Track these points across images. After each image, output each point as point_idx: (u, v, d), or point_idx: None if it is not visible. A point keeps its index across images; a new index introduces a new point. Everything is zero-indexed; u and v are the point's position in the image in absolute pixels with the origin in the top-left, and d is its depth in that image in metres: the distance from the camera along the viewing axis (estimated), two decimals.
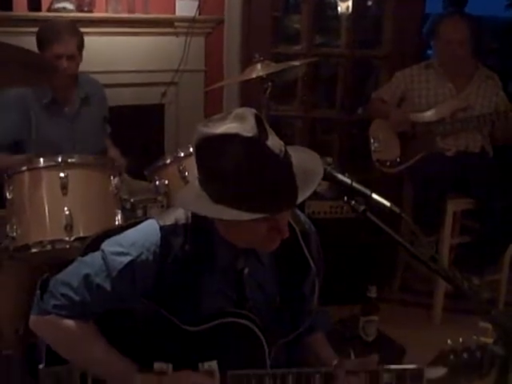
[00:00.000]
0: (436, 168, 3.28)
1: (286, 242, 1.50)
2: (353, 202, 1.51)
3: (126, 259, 1.47)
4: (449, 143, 3.34)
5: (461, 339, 1.54)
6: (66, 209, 2.19)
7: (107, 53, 3.51)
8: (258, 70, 2.64)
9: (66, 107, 2.82)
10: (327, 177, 1.53)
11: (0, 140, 2.65)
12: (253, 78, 2.64)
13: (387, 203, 1.46)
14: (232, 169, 1.33)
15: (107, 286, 1.47)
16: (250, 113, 1.36)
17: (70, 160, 2.25)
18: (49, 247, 2.20)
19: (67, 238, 2.19)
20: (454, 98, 3.37)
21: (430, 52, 4.44)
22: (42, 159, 2.26)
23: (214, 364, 1.49)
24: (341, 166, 1.57)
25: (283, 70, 2.84)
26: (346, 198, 1.52)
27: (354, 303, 2.67)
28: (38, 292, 1.52)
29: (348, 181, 1.52)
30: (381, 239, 3.34)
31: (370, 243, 3.42)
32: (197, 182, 1.44)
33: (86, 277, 1.47)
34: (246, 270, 1.57)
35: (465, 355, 1.50)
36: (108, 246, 1.52)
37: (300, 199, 1.38)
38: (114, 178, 2.33)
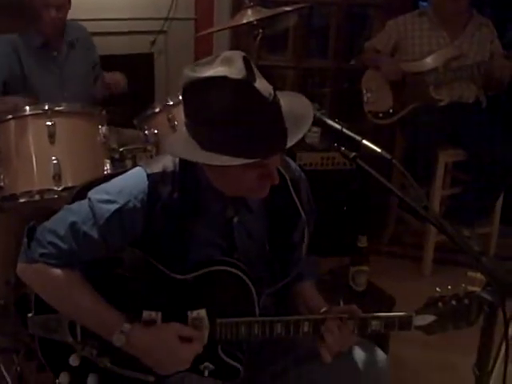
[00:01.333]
0: (428, 119, 3.26)
1: (275, 189, 1.48)
2: (343, 148, 1.49)
3: (113, 207, 1.45)
4: (442, 93, 3.31)
5: (449, 287, 1.55)
6: (53, 158, 2.16)
7: (96, 0, 3.42)
8: (249, 16, 2.58)
9: (54, 52, 2.81)
10: (317, 122, 1.50)
11: None
12: (243, 24, 2.58)
13: (378, 149, 1.44)
14: (220, 112, 1.30)
15: (94, 233, 1.46)
16: (238, 55, 1.33)
17: (57, 108, 2.21)
18: (37, 197, 2.18)
19: (55, 188, 2.17)
20: (447, 47, 3.33)
21: (422, 3, 4.36)
22: (28, 107, 2.22)
23: (202, 312, 1.51)
24: (333, 117, 1.54)
25: (275, 17, 2.77)
26: (335, 144, 1.50)
27: (344, 254, 2.68)
28: (25, 240, 1.51)
29: (338, 126, 1.49)
30: (372, 191, 3.38)
31: (360, 195, 3.42)
32: (184, 129, 1.41)
33: (73, 224, 1.46)
34: (236, 219, 1.57)
35: (453, 302, 1.52)
36: (95, 193, 1.50)
37: (290, 143, 1.36)
38: (102, 126, 2.30)
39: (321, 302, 1.68)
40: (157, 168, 1.50)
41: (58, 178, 2.17)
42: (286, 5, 2.97)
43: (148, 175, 1.49)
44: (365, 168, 1.46)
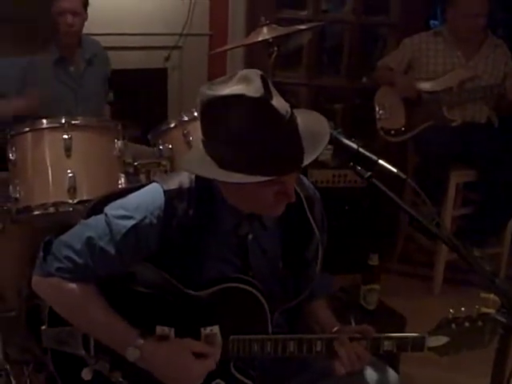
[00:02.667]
0: (440, 139, 3.25)
1: (290, 206, 1.49)
2: (358, 168, 1.49)
3: (130, 223, 1.46)
4: (455, 114, 3.31)
5: (463, 308, 1.54)
6: (69, 171, 2.17)
7: (111, 14, 3.48)
8: (264, 34, 2.60)
9: (71, 67, 2.84)
10: (333, 141, 1.51)
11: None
12: (259, 42, 2.60)
13: (393, 169, 1.45)
14: (237, 130, 1.31)
15: (110, 249, 1.46)
16: (255, 74, 1.34)
17: (73, 122, 2.22)
18: (52, 210, 2.19)
19: (70, 201, 2.17)
20: (462, 67, 3.34)
21: (434, 22, 4.37)
22: (45, 120, 2.23)
23: (215, 329, 1.51)
24: (345, 133, 1.55)
25: (289, 35, 2.79)
26: (351, 164, 1.50)
27: (355, 272, 2.67)
28: (41, 254, 1.51)
29: (354, 146, 1.50)
30: (382, 209, 3.37)
31: (371, 213, 3.42)
32: (201, 146, 1.42)
33: (89, 239, 1.46)
34: (251, 236, 1.57)
35: (466, 324, 1.52)
36: (111, 209, 1.50)
37: (307, 161, 1.36)
38: (117, 141, 2.31)
39: (333, 320, 1.68)
40: (173, 185, 1.51)
41: (73, 191, 2.17)
42: (301, 23, 3.00)
43: (165, 191, 1.49)
44: (380, 187, 1.47)
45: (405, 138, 3.42)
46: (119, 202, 1.52)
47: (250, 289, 1.53)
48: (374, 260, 2.42)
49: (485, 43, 3.37)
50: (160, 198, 1.48)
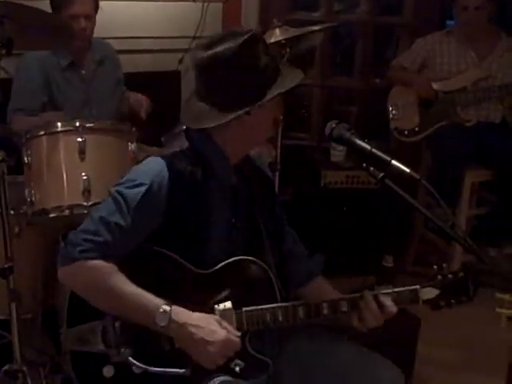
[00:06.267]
0: (455, 138, 3.25)
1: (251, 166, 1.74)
2: (371, 169, 1.50)
3: (143, 188, 1.53)
4: (470, 113, 3.30)
5: (444, 265, 1.61)
6: (83, 174, 2.19)
7: (124, 18, 3.50)
8: (277, 35, 2.61)
9: (82, 70, 2.85)
10: (347, 142, 1.52)
11: (32, 105, 2.68)
12: (272, 43, 2.61)
13: (407, 169, 1.45)
14: (235, 72, 1.52)
15: (125, 220, 1.52)
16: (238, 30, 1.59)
17: (87, 125, 2.23)
18: (67, 212, 2.20)
19: (85, 203, 2.19)
20: (475, 67, 3.32)
21: (449, 22, 4.35)
22: (59, 123, 2.25)
23: (228, 304, 1.55)
24: (358, 134, 1.56)
25: (302, 36, 2.79)
26: (364, 165, 1.51)
27: (368, 274, 2.67)
28: (63, 244, 1.56)
29: (368, 147, 1.51)
30: (396, 210, 3.36)
31: (385, 214, 3.41)
32: (200, 104, 1.57)
33: (102, 219, 1.52)
34: (239, 188, 1.70)
35: (450, 276, 1.59)
36: (118, 186, 1.58)
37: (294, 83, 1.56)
38: (131, 143, 2.33)
39: (338, 294, 1.72)
40: (167, 153, 1.66)
41: (87, 193, 2.19)
42: (313, 24, 3.00)
43: (162, 157, 1.61)
44: (393, 188, 1.47)
45: (418, 138, 3.41)
46: (124, 177, 1.60)
47: (252, 258, 1.60)
48: (389, 261, 2.42)
49: (498, 44, 3.36)
50: (161, 163, 1.58)
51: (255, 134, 1.66)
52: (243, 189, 1.72)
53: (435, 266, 1.60)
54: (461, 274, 1.57)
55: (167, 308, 1.47)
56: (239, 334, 1.53)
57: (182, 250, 1.58)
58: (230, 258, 1.60)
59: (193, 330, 1.48)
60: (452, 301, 1.57)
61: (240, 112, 1.53)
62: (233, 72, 1.54)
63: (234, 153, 1.65)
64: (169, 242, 1.57)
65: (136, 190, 1.53)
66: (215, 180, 1.63)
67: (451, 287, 1.57)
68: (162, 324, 1.47)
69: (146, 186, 1.53)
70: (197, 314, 1.51)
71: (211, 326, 1.49)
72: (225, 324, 1.52)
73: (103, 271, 1.51)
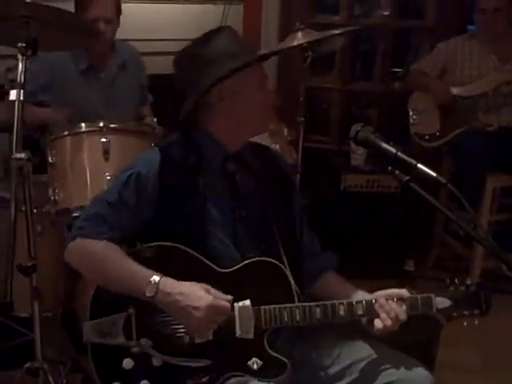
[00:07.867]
0: (476, 144, 3.23)
1: (264, 161, 1.79)
2: (397, 172, 1.50)
3: (130, 171, 1.65)
4: (491, 118, 3.28)
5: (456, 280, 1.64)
6: (107, 174, 2.20)
7: (145, 20, 3.52)
8: (299, 38, 2.60)
9: (102, 73, 2.82)
10: (372, 145, 1.52)
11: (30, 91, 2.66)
12: (294, 46, 2.61)
13: (433, 173, 1.45)
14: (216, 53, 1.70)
15: (114, 197, 1.64)
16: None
17: (111, 125, 2.25)
18: None
19: None
20: (497, 71, 3.30)
21: (470, 27, 4.33)
22: (83, 124, 2.27)
23: (247, 302, 1.57)
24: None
25: (323, 40, 2.79)
26: (390, 168, 1.51)
27: (389, 277, 2.66)
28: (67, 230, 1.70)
29: (393, 150, 1.51)
30: (417, 215, 3.35)
31: (405, 218, 3.40)
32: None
33: (97, 199, 1.69)
34: (238, 177, 1.72)
35: (462, 288, 1.61)
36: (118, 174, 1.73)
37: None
38: (154, 144, 2.34)
39: (351, 288, 1.75)
40: (163, 143, 1.78)
41: None
42: (334, 28, 2.99)
43: (157, 146, 1.74)
44: (419, 192, 1.47)
45: (439, 143, 3.39)
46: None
47: (269, 259, 1.63)
48: (410, 265, 2.42)
49: None
50: (155, 151, 1.70)
51: (241, 119, 1.70)
52: (246, 178, 1.74)
53: (448, 280, 1.64)
54: (473, 288, 1.60)
55: (157, 278, 1.52)
56: (230, 297, 1.55)
57: (183, 239, 1.61)
58: (235, 248, 1.65)
59: (178, 297, 1.51)
60: (465, 312, 1.60)
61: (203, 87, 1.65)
62: (194, 61, 1.74)
63: (229, 140, 1.72)
64: (168, 232, 1.62)
65: (126, 172, 1.66)
66: (208, 164, 1.70)
67: (463, 300, 1.60)
68: (150, 294, 1.51)
69: (136, 169, 1.65)
70: (184, 283, 1.54)
71: (197, 292, 1.52)
72: (213, 291, 1.54)
73: (98, 245, 1.60)
